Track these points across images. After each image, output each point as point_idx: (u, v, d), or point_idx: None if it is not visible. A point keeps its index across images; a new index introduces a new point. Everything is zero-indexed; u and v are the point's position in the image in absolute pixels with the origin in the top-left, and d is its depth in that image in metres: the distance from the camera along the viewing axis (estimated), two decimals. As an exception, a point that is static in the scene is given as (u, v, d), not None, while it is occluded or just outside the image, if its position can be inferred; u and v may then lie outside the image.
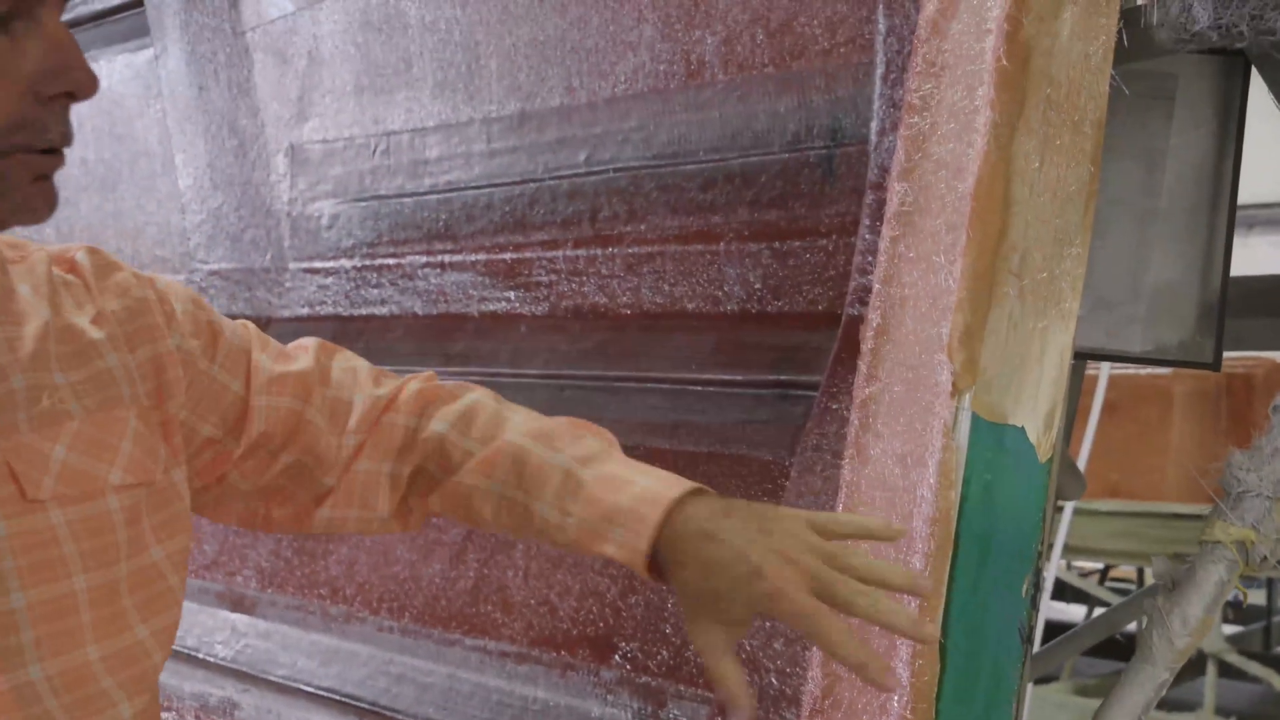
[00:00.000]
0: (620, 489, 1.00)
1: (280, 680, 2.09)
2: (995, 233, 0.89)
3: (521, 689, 1.82)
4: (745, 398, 1.87)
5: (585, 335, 2.14)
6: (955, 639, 0.85)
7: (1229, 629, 5.97)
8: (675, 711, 1.66)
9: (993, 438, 0.87)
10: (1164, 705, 5.20)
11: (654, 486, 0.98)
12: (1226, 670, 5.37)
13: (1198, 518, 4.42)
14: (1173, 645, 0.93)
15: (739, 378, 1.89)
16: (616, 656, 1.75)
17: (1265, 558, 0.94)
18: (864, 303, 1.75)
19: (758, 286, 1.93)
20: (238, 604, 2.25)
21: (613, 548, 0.99)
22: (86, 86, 0.86)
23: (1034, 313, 0.88)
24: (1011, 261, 0.89)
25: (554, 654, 1.81)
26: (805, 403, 1.80)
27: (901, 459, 0.91)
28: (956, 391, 0.88)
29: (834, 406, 1.66)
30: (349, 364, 1.18)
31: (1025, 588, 0.86)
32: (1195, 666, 5.48)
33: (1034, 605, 0.86)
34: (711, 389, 1.92)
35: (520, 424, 1.12)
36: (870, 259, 1.75)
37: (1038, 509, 0.87)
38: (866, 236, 1.75)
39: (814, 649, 0.95)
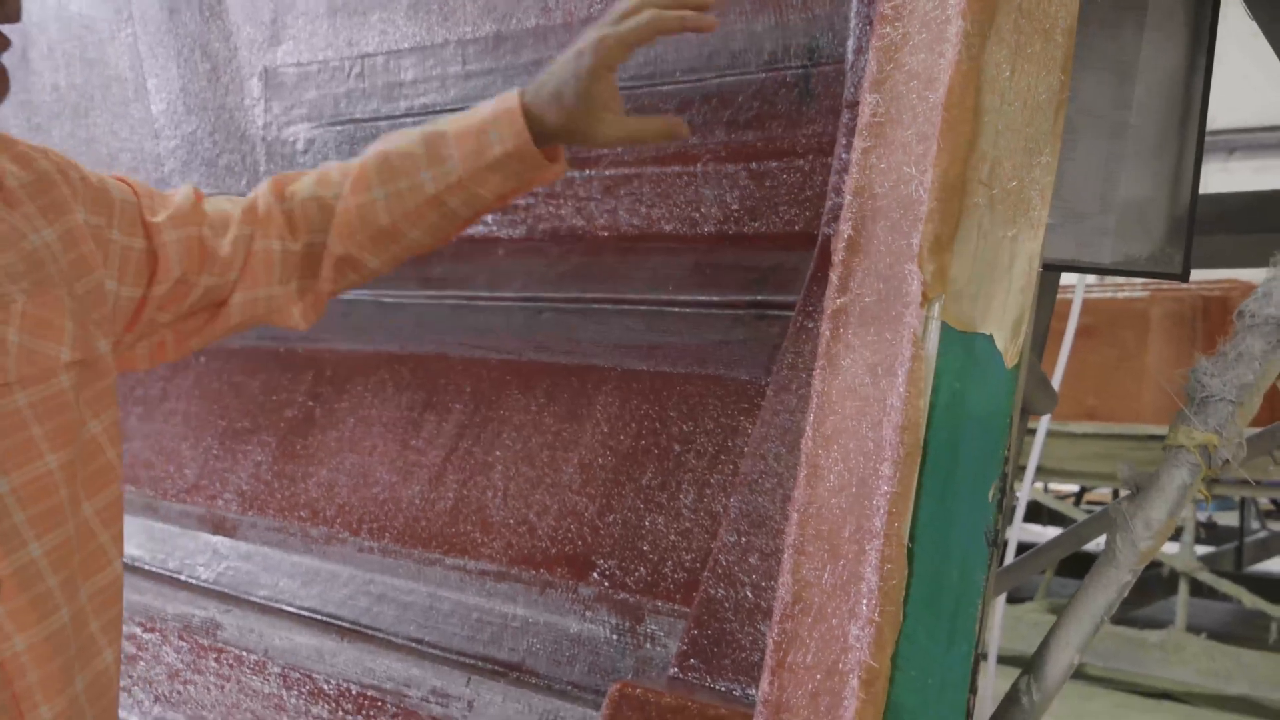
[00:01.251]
0: (474, 116, 1.20)
1: (262, 601, 2.11)
2: (966, 142, 0.89)
3: (501, 606, 1.85)
4: (722, 318, 1.88)
5: (562, 258, 2.14)
6: (923, 544, 0.86)
7: (1201, 549, 6.06)
8: (653, 627, 1.69)
9: (962, 346, 0.88)
10: (1137, 623, 5.28)
11: (497, 101, 1.21)
12: (1198, 589, 5.46)
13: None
14: (1135, 548, 0.95)
15: (716, 298, 1.90)
16: (594, 574, 1.77)
17: (1227, 461, 0.96)
18: (838, 221, 1.75)
19: (735, 207, 1.93)
20: (219, 527, 2.26)
21: (499, 148, 1.17)
22: None
23: (1003, 221, 0.89)
24: (981, 171, 0.89)
25: (533, 572, 1.84)
26: (781, 323, 1.81)
27: (872, 368, 0.92)
28: (926, 301, 0.89)
29: (810, 325, 1.67)
30: (217, 196, 1.25)
31: (992, 493, 0.87)
32: (1168, 585, 5.57)
33: (1000, 510, 0.87)
34: (688, 310, 1.92)
35: (366, 151, 1.24)
36: (846, 178, 1.75)
37: (1005, 416, 0.88)
38: (843, 155, 1.75)
39: (784, 560, 0.96)
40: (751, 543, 1.52)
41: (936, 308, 0.89)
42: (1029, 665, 0.98)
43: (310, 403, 2.32)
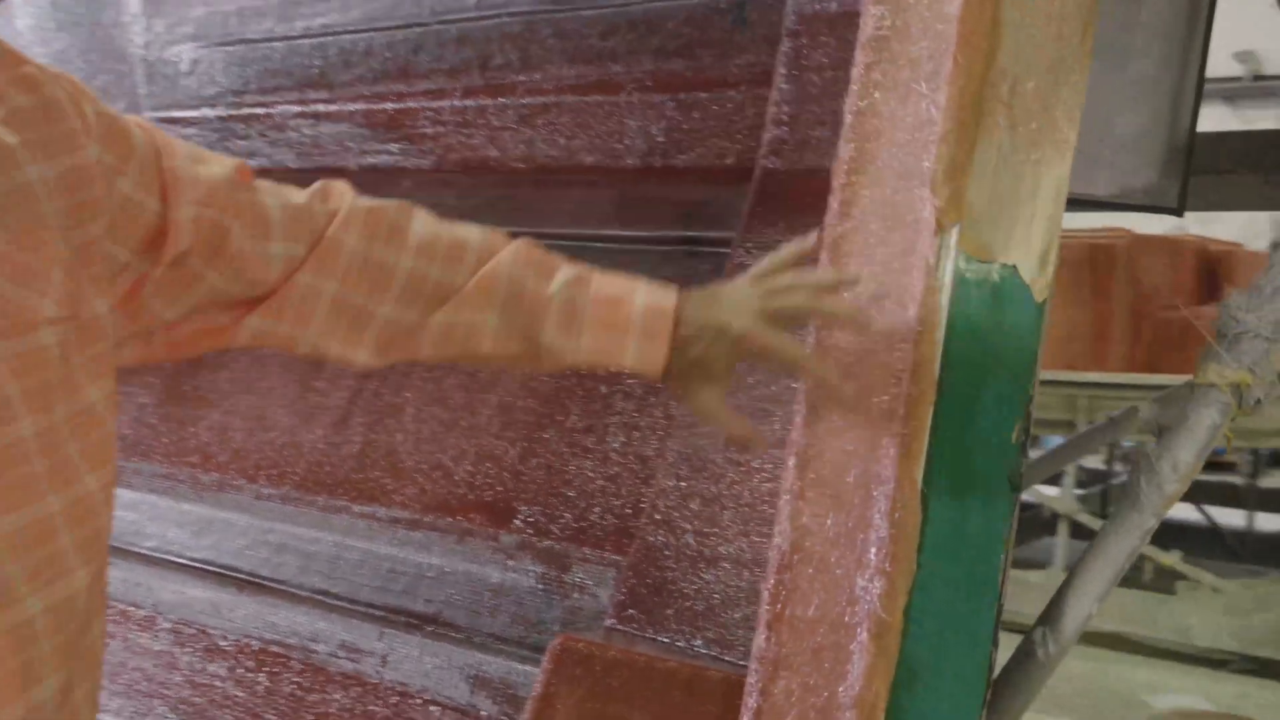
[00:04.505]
0: (621, 308, 1.04)
1: (148, 552, 1.99)
2: (983, 58, 0.83)
3: (415, 556, 1.75)
4: (650, 254, 1.80)
5: (475, 190, 2.03)
6: (939, 488, 0.81)
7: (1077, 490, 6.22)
8: (580, 575, 1.62)
9: (981, 277, 0.82)
10: (1019, 564, 5.39)
11: (651, 301, 1.04)
12: (1079, 531, 5.59)
13: (1064, 384, 4.52)
14: (1161, 491, 0.91)
15: (642, 234, 1.82)
16: (517, 521, 1.69)
17: (1259, 400, 0.92)
18: (779, 155, 1.68)
19: (661, 140, 1.85)
20: (101, 473, 2.12)
21: (631, 361, 1.04)
22: None
23: (1026, 144, 0.83)
24: (1001, 89, 0.83)
25: (449, 519, 1.75)
26: (714, 259, 1.74)
27: (878, 301, 0.86)
28: (941, 228, 0.83)
29: (748, 263, 1.61)
30: (275, 185, 1.06)
31: (1016, 434, 0.82)
32: (1048, 527, 5.72)
33: (1023, 453, 0.82)
34: (613, 245, 1.84)
35: (484, 243, 1.08)
36: (786, 109, 1.68)
37: (1031, 353, 0.82)
38: (783, 86, 1.68)
39: (780, 506, 0.90)
40: (692, 488, 1.46)
41: (953, 235, 0.83)
42: (1044, 617, 0.94)
43: (200, 341, 2.18)
